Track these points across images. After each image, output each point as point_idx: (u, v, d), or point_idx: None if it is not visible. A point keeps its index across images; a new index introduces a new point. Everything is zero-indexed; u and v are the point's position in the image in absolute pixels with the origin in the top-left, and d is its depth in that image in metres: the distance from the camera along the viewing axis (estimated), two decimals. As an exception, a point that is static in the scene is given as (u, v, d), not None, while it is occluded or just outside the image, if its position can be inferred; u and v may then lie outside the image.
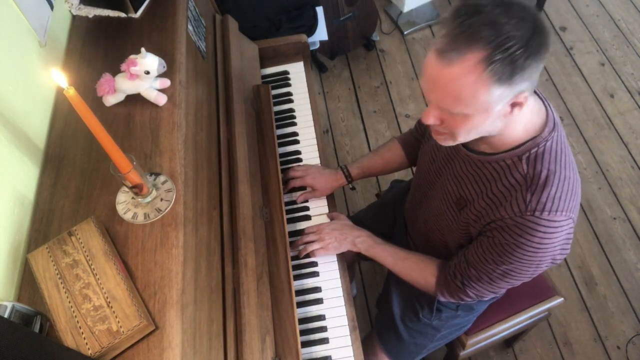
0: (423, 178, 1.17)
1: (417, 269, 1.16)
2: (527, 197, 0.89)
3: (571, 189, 0.89)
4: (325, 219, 1.34)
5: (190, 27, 1.20)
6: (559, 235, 0.89)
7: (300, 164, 1.44)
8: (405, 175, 2.24)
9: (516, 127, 0.89)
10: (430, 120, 0.87)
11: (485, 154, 0.96)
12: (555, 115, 0.93)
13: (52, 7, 1.13)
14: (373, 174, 1.40)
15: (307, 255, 1.26)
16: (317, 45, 2.20)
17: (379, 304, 1.43)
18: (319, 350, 1.16)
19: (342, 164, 2.36)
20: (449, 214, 1.07)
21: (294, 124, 1.51)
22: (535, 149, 0.89)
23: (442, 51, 0.77)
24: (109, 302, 0.77)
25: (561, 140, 0.91)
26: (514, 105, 0.82)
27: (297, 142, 1.48)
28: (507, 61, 0.74)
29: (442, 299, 1.12)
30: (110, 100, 1.03)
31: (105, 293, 0.78)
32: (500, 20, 0.73)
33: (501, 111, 0.82)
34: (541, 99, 0.94)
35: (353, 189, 1.45)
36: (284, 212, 1.24)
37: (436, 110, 0.86)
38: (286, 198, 1.37)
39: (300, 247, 1.26)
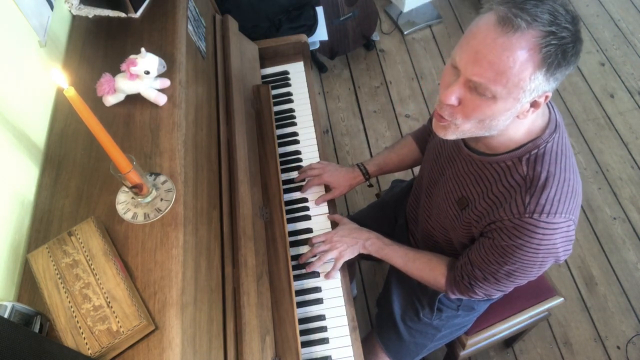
0: (427, 176, 1.17)
1: (427, 269, 1.16)
2: (525, 199, 0.88)
3: (571, 190, 0.89)
4: (325, 219, 1.34)
5: (190, 27, 1.20)
6: (558, 236, 0.89)
7: (316, 162, 1.42)
8: (405, 175, 2.24)
9: (519, 128, 0.89)
10: (452, 98, 0.83)
11: (486, 155, 0.96)
12: (558, 117, 0.93)
13: (52, 7, 1.13)
14: (390, 170, 1.40)
15: (315, 272, 1.24)
16: (317, 45, 2.20)
17: (379, 303, 1.43)
18: (319, 350, 1.16)
19: (343, 163, 2.37)
20: (450, 213, 1.07)
21: (294, 124, 1.51)
22: (536, 151, 0.89)
23: (505, 18, 0.75)
24: (109, 302, 0.77)
25: (562, 141, 0.91)
26: (532, 104, 0.82)
27: (297, 142, 1.48)
28: (560, 50, 0.75)
29: (453, 297, 1.12)
30: (110, 100, 1.03)
31: (105, 293, 0.78)
32: (559, 12, 0.75)
33: (521, 108, 0.82)
34: None
35: (370, 186, 1.46)
36: (284, 212, 1.24)
37: (462, 88, 0.82)
38: (286, 198, 1.37)
39: (313, 259, 1.24)
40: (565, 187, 0.88)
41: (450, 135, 0.90)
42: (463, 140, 1.01)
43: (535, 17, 0.74)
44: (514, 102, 0.80)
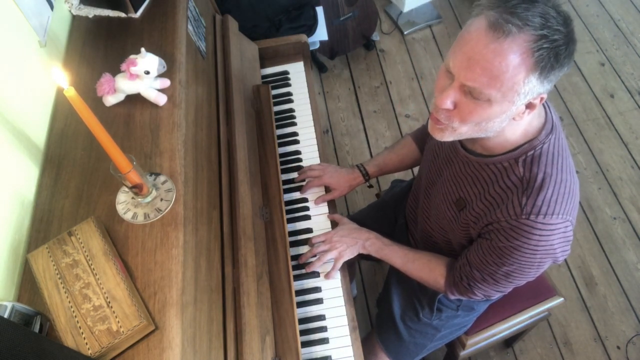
0: (425, 177, 1.18)
1: (426, 270, 1.16)
2: (522, 200, 0.88)
3: (568, 191, 0.89)
4: (325, 219, 1.34)
5: (190, 27, 1.20)
6: (555, 237, 0.89)
7: (316, 163, 1.43)
8: (405, 175, 2.24)
9: (516, 129, 0.89)
10: (447, 102, 0.83)
11: (483, 156, 0.96)
12: (555, 117, 0.93)
13: (52, 7, 1.13)
14: (389, 171, 1.40)
15: (314, 272, 1.24)
16: (317, 45, 2.20)
17: (379, 303, 1.43)
18: (319, 350, 1.16)
19: (343, 163, 2.37)
20: (449, 214, 1.07)
21: (294, 124, 1.51)
22: (532, 152, 0.89)
23: (495, 24, 0.75)
24: (109, 302, 0.77)
25: (559, 142, 0.91)
26: (528, 106, 0.82)
27: (297, 142, 1.48)
28: (553, 52, 0.75)
29: (452, 297, 1.12)
30: (110, 100, 1.03)
31: (105, 293, 0.78)
32: (550, 14, 0.75)
33: (516, 110, 0.82)
34: None
35: (370, 186, 1.46)
36: (284, 212, 1.24)
37: (457, 92, 0.82)
38: (286, 198, 1.37)
39: (313, 259, 1.24)
40: (562, 188, 0.88)
41: (447, 138, 0.91)
42: (460, 141, 1.01)
43: (526, 21, 0.74)
44: (509, 104, 0.80)
